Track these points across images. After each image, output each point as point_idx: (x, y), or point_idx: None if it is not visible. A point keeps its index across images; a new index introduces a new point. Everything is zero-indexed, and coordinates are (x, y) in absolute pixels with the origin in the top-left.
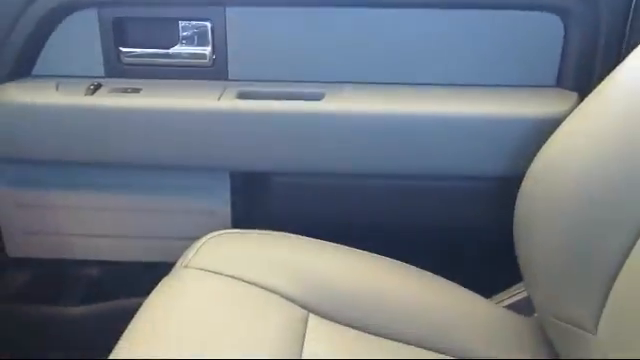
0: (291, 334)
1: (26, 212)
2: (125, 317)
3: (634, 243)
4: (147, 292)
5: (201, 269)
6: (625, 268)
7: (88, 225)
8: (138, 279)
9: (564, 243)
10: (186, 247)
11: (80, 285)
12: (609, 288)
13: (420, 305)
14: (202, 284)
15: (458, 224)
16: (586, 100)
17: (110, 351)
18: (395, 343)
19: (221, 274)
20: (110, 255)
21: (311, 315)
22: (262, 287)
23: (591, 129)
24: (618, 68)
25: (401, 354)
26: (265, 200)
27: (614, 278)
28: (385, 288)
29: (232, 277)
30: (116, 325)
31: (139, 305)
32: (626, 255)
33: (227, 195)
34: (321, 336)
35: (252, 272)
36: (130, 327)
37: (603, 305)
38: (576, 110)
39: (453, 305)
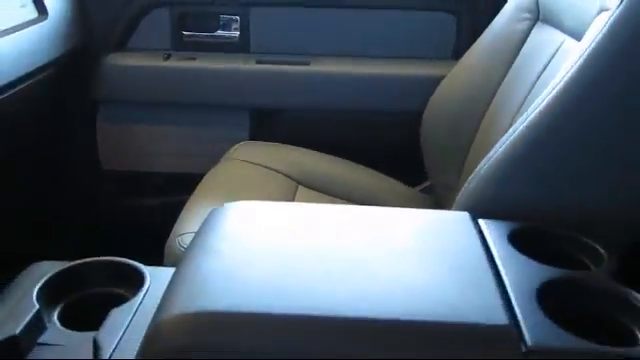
0: (286, 194)
1: (117, 138)
2: (180, 206)
3: (475, 133)
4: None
5: (237, 159)
6: (471, 148)
7: (157, 147)
8: (186, 184)
9: (443, 141)
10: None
11: (150, 187)
12: (464, 161)
13: (367, 185)
14: (239, 167)
15: (392, 140)
16: (457, 63)
17: (171, 224)
18: (348, 203)
19: (249, 162)
20: (169, 168)
21: (299, 186)
22: (272, 169)
23: (455, 77)
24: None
25: (350, 207)
26: (271, 129)
27: (466, 155)
28: (346, 175)
29: (255, 164)
30: (174, 211)
31: (186, 201)
32: (472, 139)
33: (247, 126)
34: (303, 196)
35: (267, 161)
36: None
37: (461, 171)
38: (452, 69)
39: (387, 187)
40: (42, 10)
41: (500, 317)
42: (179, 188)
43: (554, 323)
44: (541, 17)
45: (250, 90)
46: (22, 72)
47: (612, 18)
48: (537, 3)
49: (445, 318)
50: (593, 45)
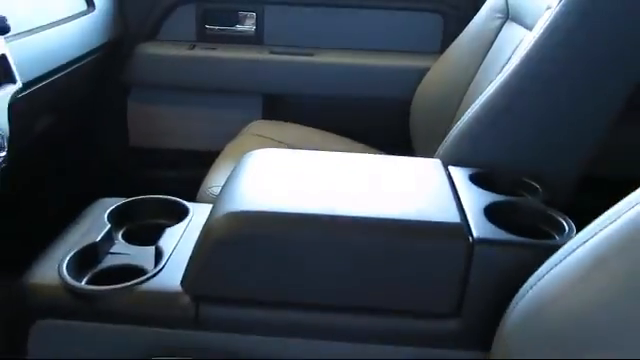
0: None
1: (144, 118)
2: (197, 178)
3: (455, 114)
4: (209, 165)
5: (252, 134)
6: (450, 127)
7: (180, 126)
8: (204, 159)
9: (428, 122)
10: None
11: (170, 161)
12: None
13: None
14: (253, 140)
15: (385, 122)
16: (441, 56)
17: (189, 195)
18: None
19: (262, 136)
20: (189, 145)
21: None
22: (281, 142)
23: (439, 68)
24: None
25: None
26: (280, 111)
27: (447, 133)
28: (344, 149)
29: (267, 137)
30: (193, 183)
31: (204, 173)
32: (452, 119)
33: (259, 108)
34: None
35: (277, 136)
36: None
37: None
38: (437, 61)
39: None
40: (90, 3)
41: (456, 219)
42: (198, 163)
43: (494, 225)
44: (510, 16)
45: (263, 77)
46: (74, 56)
47: (552, 14)
48: (507, 4)
49: (416, 217)
50: (538, 35)
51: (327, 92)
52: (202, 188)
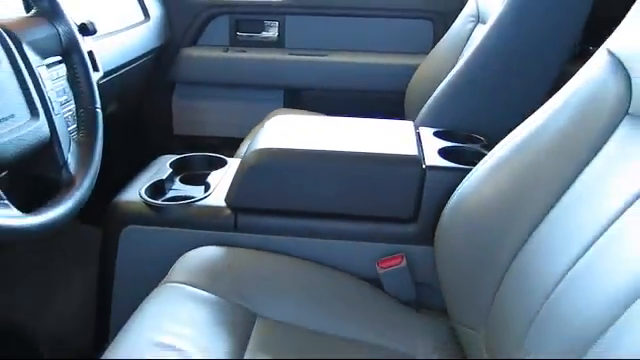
0: None
1: (184, 110)
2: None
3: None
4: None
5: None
6: None
7: (215, 117)
8: (234, 144)
9: (418, 108)
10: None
11: (207, 145)
12: None
13: None
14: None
15: (385, 110)
16: (428, 55)
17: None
18: None
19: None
20: (223, 133)
21: None
22: None
23: (426, 65)
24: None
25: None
26: (298, 102)
27: None
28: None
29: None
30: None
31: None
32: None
33: (281, 100)
34: None
35: None
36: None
37: None
38: (425, 59)
39: None
40: (146, 14)
41: (415, 153)
42: (229, 147)
43: (443, 158)
44: (480, 20)
45: (284, 74)
46: (135, 55)
47: (499, 11)
48: (478, 10)
49: (388, 152)
50: (487, 30)
51: (337, 86)
52: (236, 154)
